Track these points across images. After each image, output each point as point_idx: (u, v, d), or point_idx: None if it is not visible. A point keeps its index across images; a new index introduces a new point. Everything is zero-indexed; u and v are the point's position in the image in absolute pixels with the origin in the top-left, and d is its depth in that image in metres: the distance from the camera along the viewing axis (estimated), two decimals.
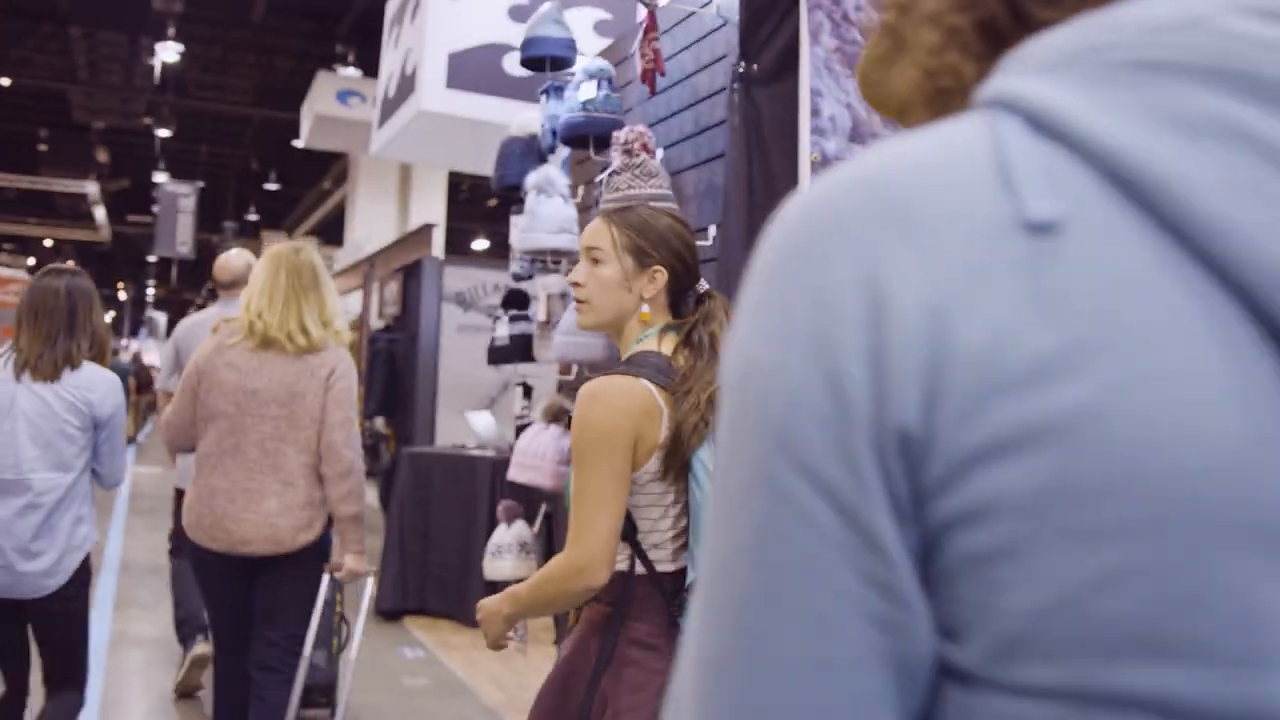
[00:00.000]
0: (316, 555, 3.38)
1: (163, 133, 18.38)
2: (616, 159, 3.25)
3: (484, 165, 9.10)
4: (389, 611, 6.32)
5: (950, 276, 0.49)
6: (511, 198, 4.01)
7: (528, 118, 4.09)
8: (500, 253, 10.22)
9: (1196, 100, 0.48)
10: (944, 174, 0.51)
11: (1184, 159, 0.47)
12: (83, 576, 3.18)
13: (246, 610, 3.39)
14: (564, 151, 4.08)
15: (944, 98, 0.61)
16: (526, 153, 4.00)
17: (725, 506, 0.54)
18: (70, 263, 3.44)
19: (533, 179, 3.75)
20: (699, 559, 0.58)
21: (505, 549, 3.95)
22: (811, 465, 0.50)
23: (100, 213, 23.43)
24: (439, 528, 6.24)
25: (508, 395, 9.35)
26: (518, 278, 4.07)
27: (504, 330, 4.10)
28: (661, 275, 2.10)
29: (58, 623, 3.17)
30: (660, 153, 3.54)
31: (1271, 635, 0.46)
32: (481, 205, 20.20)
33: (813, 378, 0.50)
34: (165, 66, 16.23)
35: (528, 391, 4.51)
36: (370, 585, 3.64)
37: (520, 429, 4.25)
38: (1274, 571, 0.46)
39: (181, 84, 17.50)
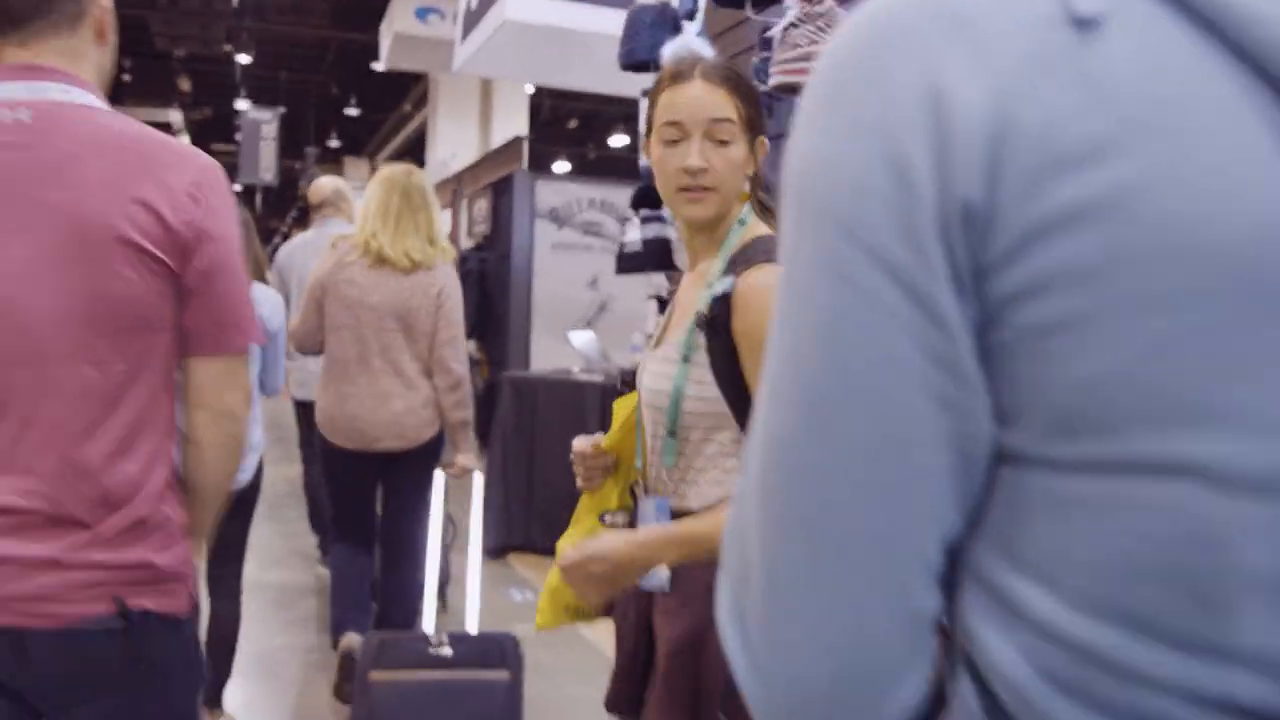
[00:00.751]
0: (435, 451, 3.72)
1: (243, 59, 17.87)
2: (794, 9, 2.55)
3: (570, 79, 8.45)
4: (493, 549, 5.77)
5: (1006, 67, 0.51)
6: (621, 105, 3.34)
7: None
8: (582, 174, 9.70)
9: None
10: None
11: None
12: (258, 473, 3.44)
13: (370, 503, 3.80)
14: (698, 21, 3.37)
15: None
16: (659, 22, 3.30)
17: (793, 298, 0.56)
18: None
19: (670, 51, 3.05)
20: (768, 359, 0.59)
21: None
22: (877, 246, 0.52)
23: (185, 141, 23.08)
24: (544, 458, 5.64)
25: (604, 316, 8.72)
26: (650, 172, 3.38)
27: (635, 234, 3.41)
28: (763, 146, 1.76)
29: (233, 513, 3.35)
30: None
31: None
32: (563, 126, 19.50)
33: (877, 164, 0.52)
34: None
35: (663, 305, 3.87)
36: (480, 479, 3.91)
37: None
38: None
39: (259, 8, 16.94)
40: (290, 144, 22.48)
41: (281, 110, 20.10)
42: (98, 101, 1.61)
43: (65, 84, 1.58)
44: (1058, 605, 0.53)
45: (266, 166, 19.71)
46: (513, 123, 15.10)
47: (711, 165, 1.68)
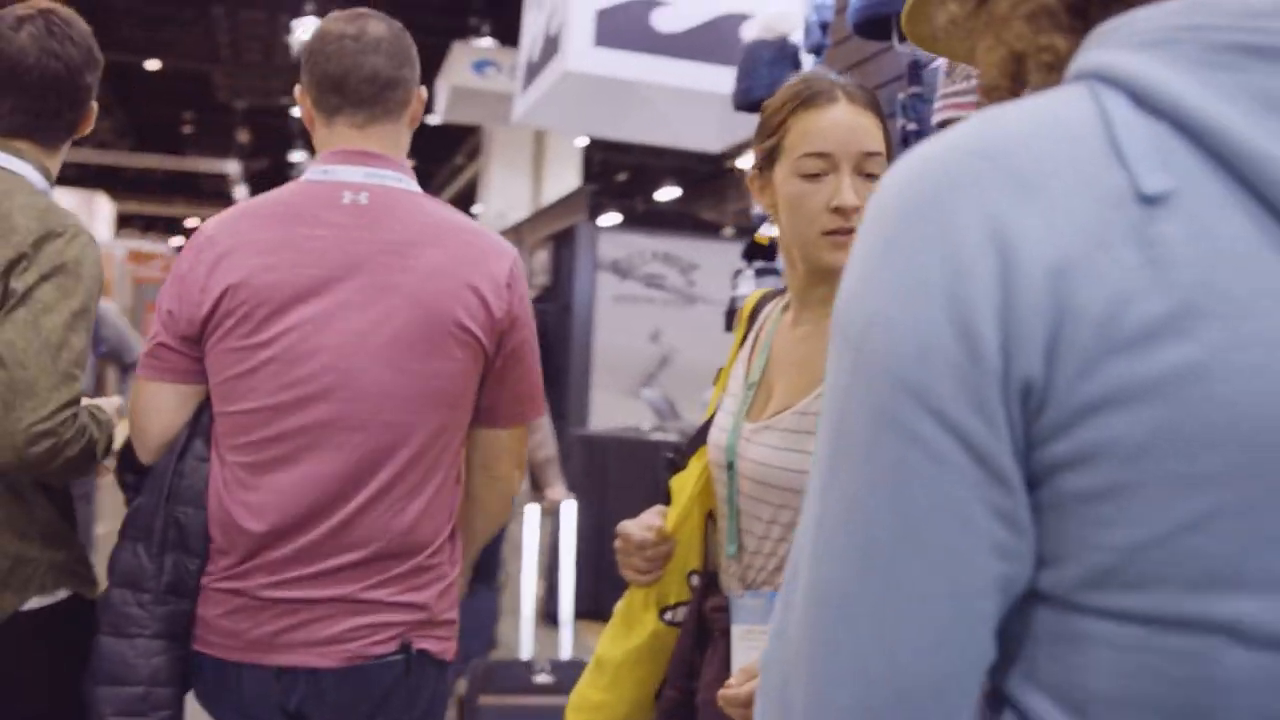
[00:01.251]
0: None
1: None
2: None
3: (628, 131, 8.19)
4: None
5: (1072, 242, 0.51)
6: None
7: (778, 14, 3.05)
8: (633, 225, 9.52)
9: None
10: (1060, 145, 0.54)
11: None
12: None
13: None
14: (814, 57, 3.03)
15: (1037, 72, 0.62)
16: (778, 59, 2.96)
17: (845, 450, 0.56)
18: None
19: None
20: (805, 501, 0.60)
21: None
22: (945, 411, 0.52)
23: (241, 192, 23.13)
24: (616, 521, 5.23)
25: (666, 370, 8.36)
26: (763, 219, 3.02)
27: (748, 288, 3.05)
28: None
29: None
30: None
31: None
32: (611, 180, 19.29)
33: (945, 331, 0.52)
34: (304, 44, 15.63)
35: None
36: (573, 508, 4.14)
37: None
38: None
39: None
40: None
41: None
42: (418, 187, 1.72)
43: (397, 171, 1.70)
44: None
45: None
46: (566, 174, 14.94)
47: (864, 204, 1.36)
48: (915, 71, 2.43)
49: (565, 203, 9.78)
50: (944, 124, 2.14)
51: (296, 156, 20.14)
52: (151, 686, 1.58)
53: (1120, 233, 0.51)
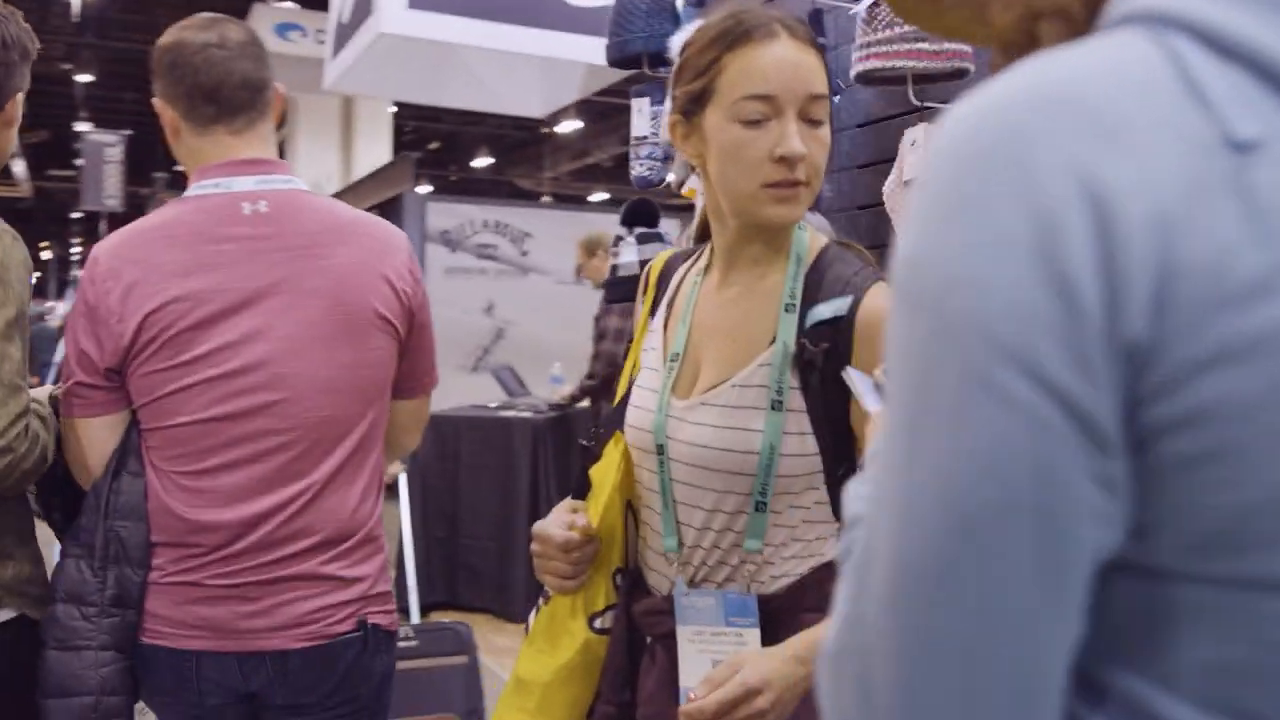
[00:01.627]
0: None
1: (84, 78, 16.59)
2: None
3: (450, 96, 7.83)
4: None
5: (1170, 192, 0.48)
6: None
7: None
8: (462, 194, 9.11)
9: None
10: (1134, 89, 0.50)
11: None
12: None
13: None
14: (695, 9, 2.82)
15: (1053, 30, 0.61)
16: (655, 9, 2.73)
17: (931, 420, 0.52)
18: None
19: (679, 41, 2.49)
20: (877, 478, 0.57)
21: None
22: (1043, 371, 0.49)
23: (19, 166, 21.36)
24: (470, 505, 4.97)
25: (502, 344, 8.05)
26: (645, 183, 2.80)
27: (630, 255, 2.83)
28: None
29: None
30: None
31: None
32: (423, 148, 18.76)
33: (1040, 288, 0.49)
34: (84, 5, 14.51)
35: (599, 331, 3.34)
36: (404, 481, 4.13)
37: None
38: None
39: (102, 25, 15.70)
40: (137, 169, 21.11)
41: (127, 133, 18.78)
42: (306, 185, 1.76)
43: (285, 174, 1.74)
44: (1177, 704, 0.53)
45: (111, 193, 18.31)
46: (377, 143, 14.46)
47: (811, 154, 1.28)
48: (817, 19, 2.26)
49: (386, 172, 9.30)
50: (864, 75, 1.98)
51: (83, 127, 18.75)
52: (102, 695, 1.62)
53: (1217, 182, 0.48)
